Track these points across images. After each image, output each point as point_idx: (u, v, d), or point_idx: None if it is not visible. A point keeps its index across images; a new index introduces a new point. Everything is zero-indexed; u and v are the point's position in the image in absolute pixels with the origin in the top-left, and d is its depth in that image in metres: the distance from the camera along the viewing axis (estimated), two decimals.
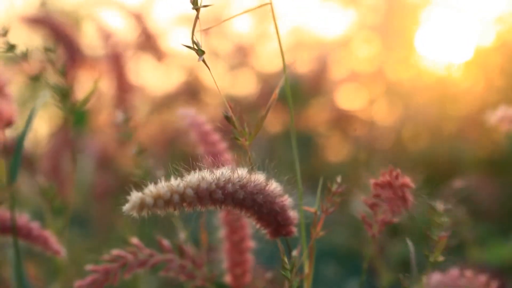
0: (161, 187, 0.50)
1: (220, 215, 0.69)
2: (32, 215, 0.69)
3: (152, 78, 1.58)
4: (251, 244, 0.69)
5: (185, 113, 0.70)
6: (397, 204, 0.56)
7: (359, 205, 0.63)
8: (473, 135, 1.42)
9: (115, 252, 0.63)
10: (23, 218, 0.67)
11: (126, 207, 0.49)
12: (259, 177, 0.53)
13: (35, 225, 0.68)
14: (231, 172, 0.52)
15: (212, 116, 1.59)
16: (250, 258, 0.69)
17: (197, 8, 0.53)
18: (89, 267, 0.62)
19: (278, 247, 0.54)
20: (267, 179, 0.53)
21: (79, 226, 1.16)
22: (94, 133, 1.38)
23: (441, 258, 0.54)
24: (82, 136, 1.29)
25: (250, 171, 0.53)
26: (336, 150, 1.58)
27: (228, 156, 0.67)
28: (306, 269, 0.57)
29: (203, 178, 0.51)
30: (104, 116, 1.39)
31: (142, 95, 1.43)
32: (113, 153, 1.36)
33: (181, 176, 0.51)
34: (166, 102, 1.55)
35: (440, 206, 0.54)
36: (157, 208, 0.50)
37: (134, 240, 0.64)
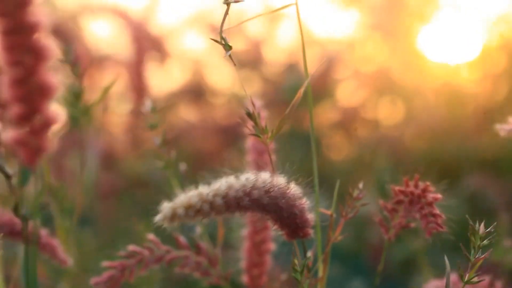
0: (191, 196, 0.50)
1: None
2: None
3: (157, 78, 1.58)
4: (271, 246, 0.69)
5: (247, 103, 0.70)
6: (428, 221, 0.56)
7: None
8: (477, 135, 1.42)
9: (131, 247, 0.63)
10: (31, 224, 0.67)
11: (157, 218, 0.49)
12: (280, 181, 0.53)
13: (43, 232, 0.67)
14: (255, 177, 0.52)
15: (216, 116, 1.60)
16: (268, 259, 0.69)
17: (227, 3, 0.53)
18: (105, 263, 0.62)
19: (293, 249, 0.54)
20: (288, 181, 0.53)
21: (85, 225, 1.16)
22: (100, 132, 1.38)
23: (475, 279, 0.54)
24: (88, 135, 1.29)
25: (272, 173, 0.53)
26: (340, 150, 1.58)
27: (271, 157, 0.67)
28: (320, 273, 0.58)
29: (230, 186, 0.51)
30: (110, 116, 1.40)
31: (148, 95, 1.43)
32: (119, 152, 1.36)
33: (207, 182, 0.51)
34: (171, 102, 1.56)
35: (482, 228, 0.54)
36: (187, 218, 0.49)
37: (151, 236, 0.64)
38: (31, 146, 0.47)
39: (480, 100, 1.52)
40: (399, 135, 1.55)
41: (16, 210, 0.59)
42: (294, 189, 0.53)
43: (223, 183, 0.51)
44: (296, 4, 0.56)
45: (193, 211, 0.49)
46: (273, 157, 0.56)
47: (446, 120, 1.50)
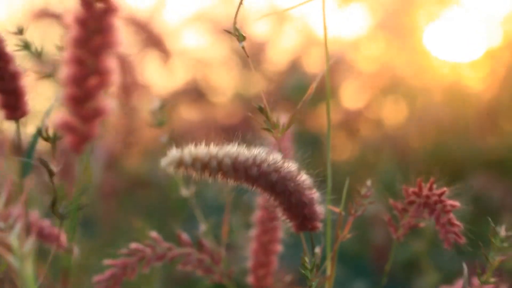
0: (200, 149, 0.50)
1: (254, 214, 0.69)
2: (40, 214, 0.69)
3: (159, 76, 1.58)
4: (279, 247, 0.69)
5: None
6: (447, 231, 0.56)
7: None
8: (483, 134, 1.42)
9: (133, 245, 0.63)
10: (34, 215, 0.67)
11: (164, 162, 0.49)
12: (291, 165, 0.53)
13: (46, 223, 0.67)
14: (267, 154, 0.52)
15: (218, 115, 1.59)
16: (275, 260, 0.69)
17: None
18: (107, 261, 0.62)
19: (299, 249, 0.54)
20: (299, 169, 0.54)
21: (85, 226, 1.16)
22: (102, 132, 1.37)
23: (492, 280, 0.54)
24: None
25: (284, 158, 0.53)
26: (343, 150, 1.58)
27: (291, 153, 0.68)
28: (328, 271, 0.57)
29: (241, 153, 0.51)
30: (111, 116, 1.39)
31: (148, 93, 1.43)
32: (120, 153, 1.36)
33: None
34: (173, 101, 1.55)
35: (503, 231, 0.54)
36: (193, 169, 0.50)
37: (153, 233, 0.63)
38: (79, 132, 0.46)
39: (486, 99, 1.51)
40: (404, 134, 1.54)
41: (54, 207, 0.58)
42: (304, 177, 0.54)
43: (234, 149, 0.51)
44: (323, 3, 0.56)
45: (200, 164, 0.50)
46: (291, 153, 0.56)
47: (451, 119, 1.49)
